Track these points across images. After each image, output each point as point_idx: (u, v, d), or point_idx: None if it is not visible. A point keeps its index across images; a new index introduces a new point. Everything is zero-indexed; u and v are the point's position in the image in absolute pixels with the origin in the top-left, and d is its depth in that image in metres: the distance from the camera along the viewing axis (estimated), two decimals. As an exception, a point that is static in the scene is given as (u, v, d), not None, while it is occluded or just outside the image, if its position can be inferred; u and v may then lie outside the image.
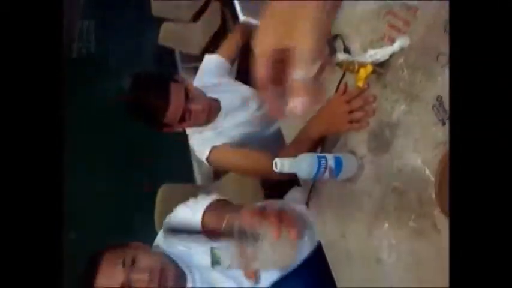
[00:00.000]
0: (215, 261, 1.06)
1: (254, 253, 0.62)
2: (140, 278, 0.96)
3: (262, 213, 0.63)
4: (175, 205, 1.26)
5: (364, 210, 0.90)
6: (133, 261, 0.98)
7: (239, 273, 1.02)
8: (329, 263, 1.00)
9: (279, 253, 0.62)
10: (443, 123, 0.74)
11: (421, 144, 0.78)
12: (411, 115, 0.81)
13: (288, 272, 1.18)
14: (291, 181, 1.30)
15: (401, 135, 0.83)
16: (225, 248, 0.84)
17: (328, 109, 0.96)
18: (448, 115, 0.72)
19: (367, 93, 0.91)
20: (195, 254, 1.09)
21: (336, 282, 0.98)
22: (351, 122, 0.92)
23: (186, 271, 1.06)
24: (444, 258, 0.73)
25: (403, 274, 0.82)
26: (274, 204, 0.66)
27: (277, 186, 1.38)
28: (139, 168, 2.31)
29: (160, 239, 1.17)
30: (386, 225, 0.85)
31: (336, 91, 0.98)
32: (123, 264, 0.97)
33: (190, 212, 1.08)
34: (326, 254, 1.00)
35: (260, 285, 1.03)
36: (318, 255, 1.12)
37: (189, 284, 1.04)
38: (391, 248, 0.84)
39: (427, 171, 0.77)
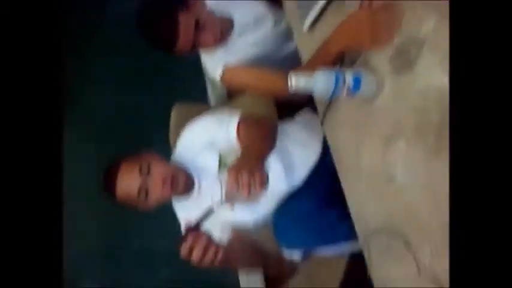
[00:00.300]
0: (223, 165, 1.17)
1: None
2: (155, 184, 1.09)
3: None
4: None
5: (380, 127, 0.88)
6: (149, 169, 1.10)
7: None
8: (341, 180, 1.00)
9: None
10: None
11: (447, 61, 0.73)
12: (440, 31, 0.75)
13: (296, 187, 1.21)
14: (305, 104, 1.27)
15: (427, 53, 0.78)
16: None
17: (350, 22, 0.89)
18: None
19: (394, 6, 0.84)
20: (206, 159, 1.19)
21: (347, 198, 0.99)
22: (374, 37, 0.86)
23: (195, 176, 1.18)
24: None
25: (415, 194, 0.82)
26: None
27: (291, 107, 1.36)
28: (152, 87, 2.29)
29: (177, 149, 1.27)
30: (403, 143, 0.84)
31: (361, 4, 0.91)
32: (140, 172, 1.09)
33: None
34: (338, 171, 1.01)
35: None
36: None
37: (196, 187, 1.18)
38: (405, 167, 0.83)
39: (452, 90, 0.72)
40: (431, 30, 0.77)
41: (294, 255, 1.18)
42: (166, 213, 1.27)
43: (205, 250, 0.85)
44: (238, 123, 1.17)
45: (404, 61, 0.82)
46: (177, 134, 1.36)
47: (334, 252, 1.19)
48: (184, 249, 0.86)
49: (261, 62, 1.25)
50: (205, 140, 1.22)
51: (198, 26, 1.16)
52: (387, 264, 0.89)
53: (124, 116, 2.32)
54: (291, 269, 1.31)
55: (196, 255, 0.85)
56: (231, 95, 1.70)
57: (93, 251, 2.12)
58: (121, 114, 2.31)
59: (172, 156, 1.28)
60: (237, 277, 1.82)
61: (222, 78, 1.25)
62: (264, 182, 0.88)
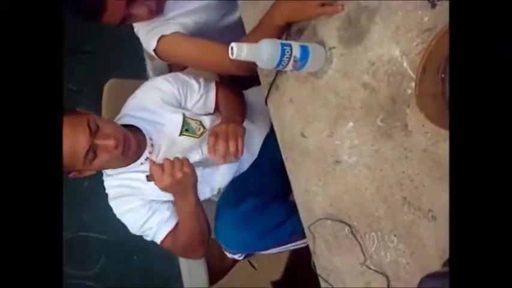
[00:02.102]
0: (185, 129, 1.08)
1: None
2: (107, 143, 0.91)
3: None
4: (125, 101, 1.15)
5: (327, 107, 0.81)
6: (97, 126, 0.92)
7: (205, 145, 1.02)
8: (285, 161, 0.93)
9: None
10: (433, 6, 0.62)
11: (402, 32, 0.67)
12: (394, -3, 0.68)
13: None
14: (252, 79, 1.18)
15: (379, 22, 0.71)
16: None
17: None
18: (440, -6, 0.60)
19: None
20: (169, 122, 1.07)
21: (291, 180, 0.92)
22: (322, 5, 0.78)
23: (147, 137, 1.04)
24: (410, 160, 0.67)
25: (361, 178, 0.76)
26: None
27: (237, 83, 1.26)
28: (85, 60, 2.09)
29: (128, 107, 1.12)
30: (351, 124, 0.77)
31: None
32: (90, 128, 0.90)
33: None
34: (283, 152, 0.94)
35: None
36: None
37: (148, 149, 1.04)
38: (352, 148, 0.77)
39: (405, 64, 0.67)
40: (384, -4, 0.70)
41: (235, 256, 1.10)
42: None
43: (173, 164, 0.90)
44: (216, 87, 1.14)
45: (354, 32, 0.75)
46: (111, 110, 1.22)
47: (279, 251, 1.13)
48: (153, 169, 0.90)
49: (201, 32, 1.13)
50: (169, 100, 1.09)
51: None
52: (332, 252, 0.84)
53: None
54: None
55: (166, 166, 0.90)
56: (172, 71, 1.57)
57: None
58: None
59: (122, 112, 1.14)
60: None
61: (157, 50, 1.12)
62: (239, 152, 0.91)
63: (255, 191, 1.11)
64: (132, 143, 0.98)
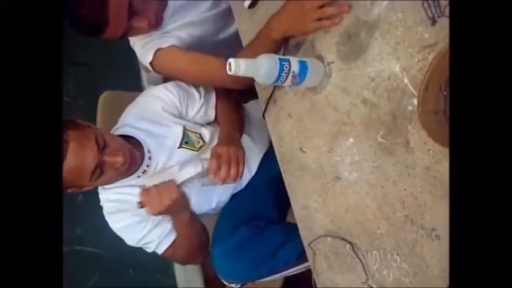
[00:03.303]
0: (185, 141, 1.06)
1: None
2: (115, 160, 0.90)
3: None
4: (120, 113, 1.13)
5: (326, 123, 0.80)
6: (105, 142, 0.90)
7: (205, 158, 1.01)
8: (283, 174, 0.92)
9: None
10: (433, 22, 0.61)
11: (402, 48, 0.66)
12: (394, 12, 0.67)
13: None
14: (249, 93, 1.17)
15: (379, 37, 0.70)
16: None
17: (293, 3, 0.80)
18: (441, 11, 0.59)
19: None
20: (169, 134, 1.06)
21: (290, 196, 0.91)
22: (320, 19, 0.77)
23: (145, 149, 1.02)
24: (412, 177, 0.66)
25: (362, 195, 0.75)
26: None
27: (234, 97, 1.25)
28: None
29: (127, 116, 1.10)
30: (351, 140, 0.76)
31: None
32: (97, 144, 0.88)
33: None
34: (281, 165, 0.92)
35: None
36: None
37: (146, 162, 1.02)
38: (353, 164, 0.76)
39: (406, 80, 0.66)
40: (383, 11, 0.69)
41: (232, 285, 1.09)
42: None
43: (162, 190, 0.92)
44: (217, 96, 1.14)
45: (353, 47, 0.74)
46: (106, 122, 1.20)
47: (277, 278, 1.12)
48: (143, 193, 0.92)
49: (197, 45, 1.12)
50: (170, 110, 1.08)
51: (130, 10, 1.01)
52: (333, 270, 0.82)
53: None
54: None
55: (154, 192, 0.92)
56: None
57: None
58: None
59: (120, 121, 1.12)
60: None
61: (153, 63, 1.11)
62: (239, 175, 0.92)
63: (249, 216, 1.10)
64: (138, 158, 0.97)
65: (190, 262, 1.17)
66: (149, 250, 1.07)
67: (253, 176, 1.17)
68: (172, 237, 1.05)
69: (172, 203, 0.92)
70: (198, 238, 1.06)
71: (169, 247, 1.05)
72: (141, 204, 0.93)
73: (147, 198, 0.91)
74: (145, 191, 0.92)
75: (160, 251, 1.07)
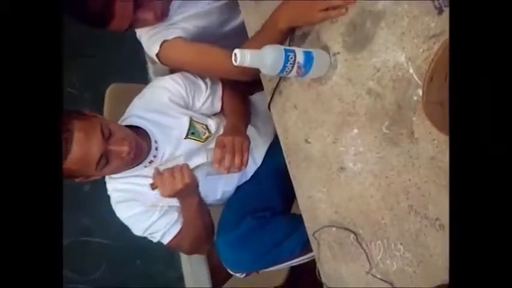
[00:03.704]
0: (191, 132, 1.07)
1: None
2: (120, 149, 0.90)
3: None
4: (127, 105, 1.14)
5: (331, 113, 0.80)
6: (110, 132, 0.90)
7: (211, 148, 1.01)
8: (288, 165, 0.93)
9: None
10: (440, 12, 0.61)
11: (408, 38, 0.66)
12: (400, 2, 0.67)
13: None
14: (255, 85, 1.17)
15: (384, 27, 0.70)
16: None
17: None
18: (448, 1, 0.59)
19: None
20: (175, 124, 1.06)
21: (295, 186, 0.92)
22: (326, 9, 0.77)
23: (152, 140, 1.03)
24: (417, 168, 0.66)
25: (367, 185, 0.75)
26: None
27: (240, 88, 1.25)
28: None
29: (134, 107, 1.11)
30: (355, 130, 0.76)
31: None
32: (103, 134, 0.89)
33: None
34: (286, 157, 0.93)
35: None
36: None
37: (153, 152, 1.02)
38: (357, 155, 0.76)
39: (411, 70, 0.66)
40: (389, 1, 0.69)
41: (237, 274, 1.10)
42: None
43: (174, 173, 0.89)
44: (223, 87, 1.14)
45: (359, 37, 0.74)
46: (113, 114, 1.20)
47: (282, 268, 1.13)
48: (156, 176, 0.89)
49: (203, 37, 1.13)
50: (176, 101, 1.09)
51: (136, 2, 1.01)
52: (337, 259, 0.83)
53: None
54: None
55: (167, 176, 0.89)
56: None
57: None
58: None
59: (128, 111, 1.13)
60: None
61: (160, 55, 1.11)
62: (244, 166, 0.92)
63: (255, 207, 1.10)
64: (144, 147, 0.98)
65: (195, 252, 1.18)
66: (155, 240, 1.08)
67: (259, 167, 1.17)
68: (179, 227, 1.06)
69: (184, 187, 0.90)
70: (204, 227, 1.07)
71: (175, 237, 1.06)
72: (153, 186, 0.92)
73: (160, 180, 0.90)
74: (158, 173, 0.91)
75: (166, 241, 1.07)
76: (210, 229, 1.10)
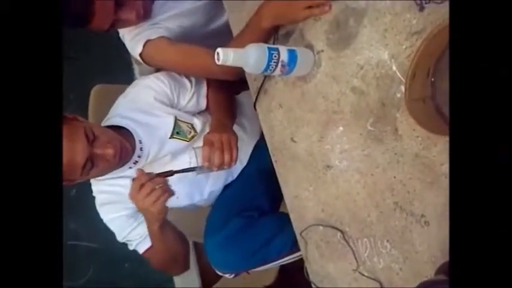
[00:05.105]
0: (176, 132, 1.06)
1: None
2: (105, 152, 0.89)
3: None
4: (112, 106, 1.13)
5: (317, 112, 0.80)
6: (94, 135, 0.89)
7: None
8: (274, 164, 0.92)
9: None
10: (421, 9, 0.61)
11: (390, 35, 0.66)
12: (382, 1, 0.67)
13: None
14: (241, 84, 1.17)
15: (367, 25, 0.70)
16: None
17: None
18: (428, -3, 0.59)
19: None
20: (160, 124, 1.05)
21: (281, 185, 0.91)
22: (309, 7, 0.77)
23: (137, 140, 1.01)
24: (401, 164, 0.66)
25: (353, 183, 0.75)
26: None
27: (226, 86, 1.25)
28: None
29: (119, 106, 1.09)
30: (341, 128, 0.76)
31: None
32: (87, 138, 0.87)
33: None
34: (272, 156, 0.92)
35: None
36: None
37: (137, 152, 1.01)
38: (343, 153, 0.76)
39: (394, 67, 0.66)
40: (371, -1, 0.69)
41: (226, 275, 1.09)
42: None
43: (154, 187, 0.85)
44: (208, 85, 1.13)
45: (342, 35, 0.74)
46: (98, 116, 1.19)
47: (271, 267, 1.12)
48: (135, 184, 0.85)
49: (187, 36, 1.12)
50: (161, 99, 1.07)
51: (117, 1, 1.00)
52: (324, 258, 0.83)
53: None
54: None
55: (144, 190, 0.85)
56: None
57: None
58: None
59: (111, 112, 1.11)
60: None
61: (143, 55, 1.10)
62: (233, 162, 0.91)
63: (242, 207, 1.09)
64: (128, 149, 0.96)
65: (165, 272, 1.14)
66: (131, 248, 1.06)
67: (245, 167, 1.16)
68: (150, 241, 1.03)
69: (152, 209, 0.87)
70: (169, 252, 1.03)
71: (147, 250, 1.04)
72: (130, 195, 0.89)
73: (135, 192, 0.86)
74: (139, 183, 0.86)
75: (140, 251, 1.05)
76: (179, 256, 1.07)
